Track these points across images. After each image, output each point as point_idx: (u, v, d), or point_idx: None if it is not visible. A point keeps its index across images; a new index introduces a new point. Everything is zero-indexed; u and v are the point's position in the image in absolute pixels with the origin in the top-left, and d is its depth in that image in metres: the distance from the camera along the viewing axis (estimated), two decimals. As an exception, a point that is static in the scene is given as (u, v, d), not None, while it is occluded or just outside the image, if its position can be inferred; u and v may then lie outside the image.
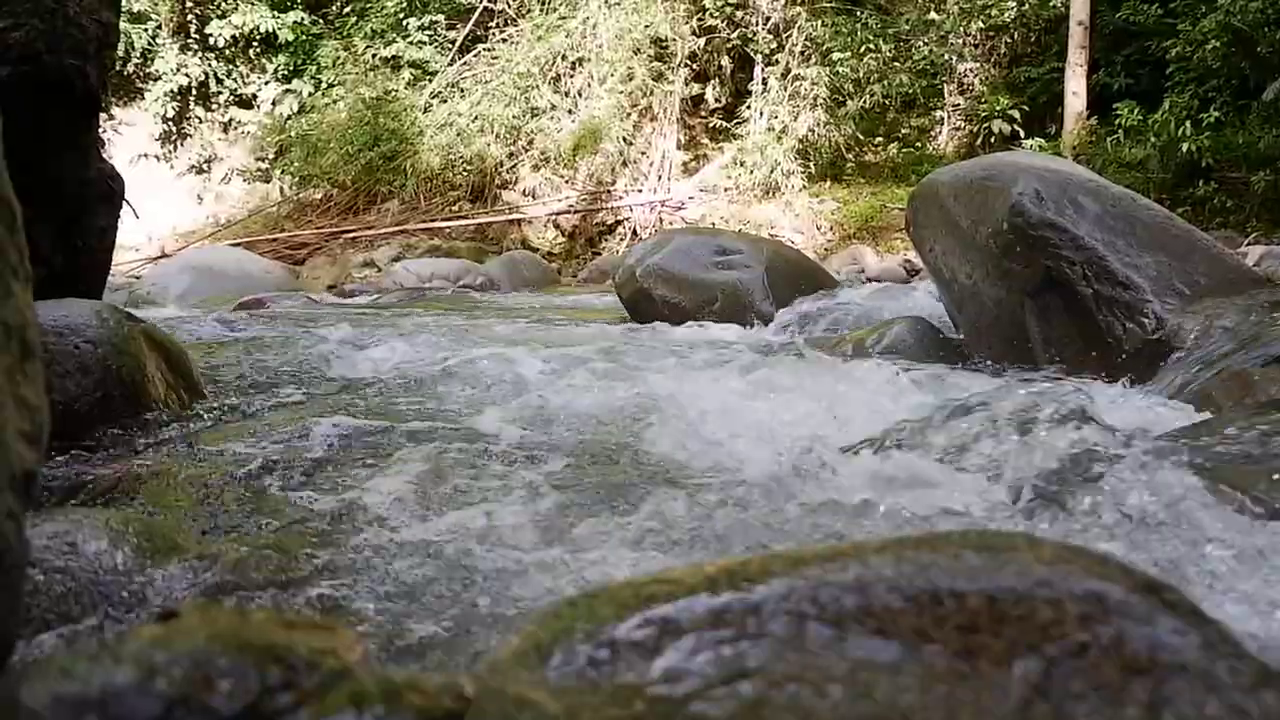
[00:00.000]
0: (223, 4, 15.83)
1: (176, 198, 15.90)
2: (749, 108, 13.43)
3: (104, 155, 3.19)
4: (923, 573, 0.66)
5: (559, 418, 2.37)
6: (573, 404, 2.53)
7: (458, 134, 13.59)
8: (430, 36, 15.12)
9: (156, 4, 15.87)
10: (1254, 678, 0.61)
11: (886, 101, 13.41)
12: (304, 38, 15.98)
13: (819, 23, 13.12)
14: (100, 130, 3.21)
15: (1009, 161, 3.48)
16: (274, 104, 15.86)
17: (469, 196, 13.87)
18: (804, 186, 12.90)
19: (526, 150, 13.88)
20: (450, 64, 14.63)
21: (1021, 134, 12.81)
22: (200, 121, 16.82)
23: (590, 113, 13.43)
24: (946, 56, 13.36)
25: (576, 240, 13.40)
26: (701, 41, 13.65)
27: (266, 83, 16.21)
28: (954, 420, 1.92)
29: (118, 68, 13.82)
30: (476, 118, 13.64)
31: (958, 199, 3.47)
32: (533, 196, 13.78)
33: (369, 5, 15.33)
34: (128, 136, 15.87)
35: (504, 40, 14.24)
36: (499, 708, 0.59)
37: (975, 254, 3.40)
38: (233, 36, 15.68)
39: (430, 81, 14.56)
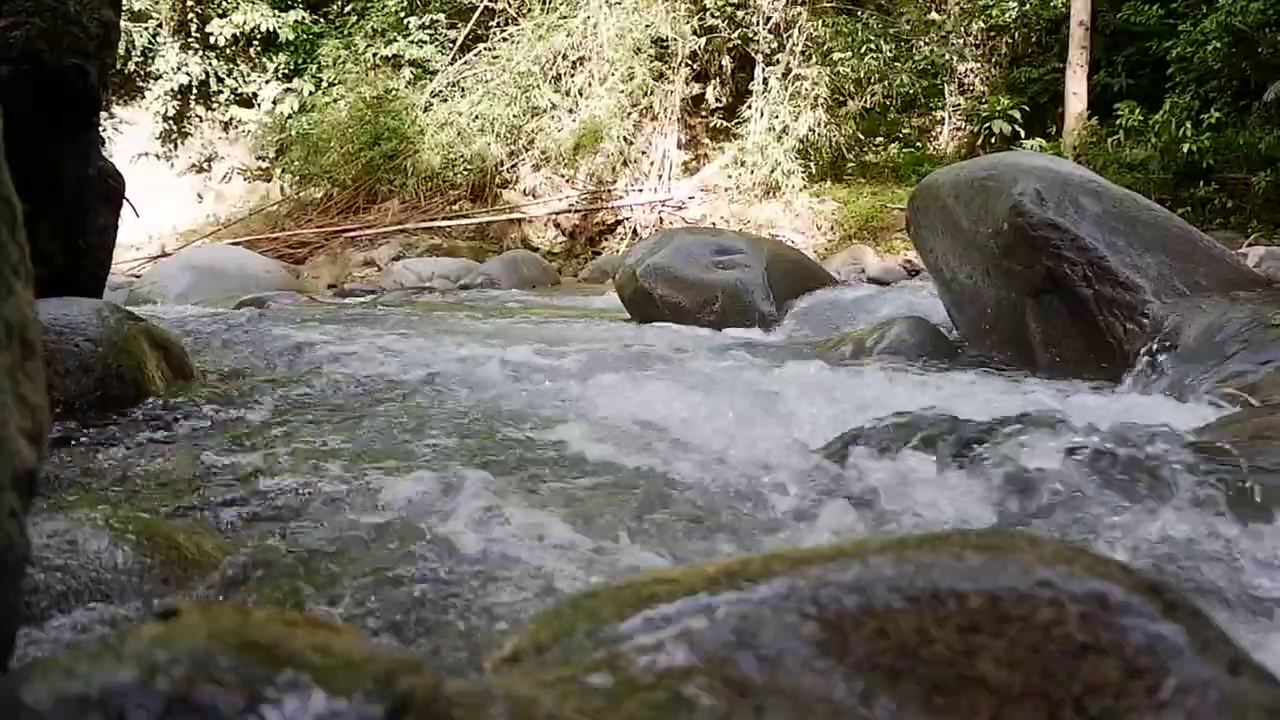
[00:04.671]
0: (223, 3, 15.83)
1: (177, 196, 15.91)
2: (749, 107, 13.44)
3: (104, 154, 3.19)
4: (924, 572, 0.66)
5: (554, 417, 2.37)
6: (569, 403, 2.53)
7: (458, 133, 13.61)
8: (431, 35, 15.14)
9: (157, 3, 15.87)
10: (1252, 680, 0.61)
11: (887, 101, 13.43)
12: (304, 37, 15.98)
13: (820, 22, 13.13)
14: (101, 129, 3.21)
15: (1010, 162, 3.48)
16: (274, 103, 15.87)
17: (469, 196, 13.89)
18: (804, 186, 12.92)
19: (527, 149, 13.89)
20: (451, 63, 14.65)
21: (1022, 134, 12.82)
22: (201, 120, 16.83)
23: (591, 112, 13.44)
24: (947, 57, 13.36)
25: (577, 240, 13.41)
26: (702, 41, 13.66)
27: (267, 81, 16.21)
28: (952, 420, 1.92)
29: (118, 66, 13.83)
30: (477, 117, 13.65)
31: (958, 199, 3.47)
32: (533, 196, 13.79)
33: (370, 4, 15.34)
34: (128, 135, 15.88)
35: (505, 39, 14.25)
36: (499, 705, 0.59)
37: (976, 254, 3.40)
38: (233, 35, 15.68)
39: (431, 80, 14.57)
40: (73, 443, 1.98)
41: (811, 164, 13.00)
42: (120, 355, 2.16)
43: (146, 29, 15.93)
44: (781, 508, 1.62)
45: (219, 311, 5.43)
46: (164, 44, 16.12)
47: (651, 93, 13.61)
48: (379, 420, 2.34)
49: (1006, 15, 13.24)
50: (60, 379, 2.03)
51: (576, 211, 13.53)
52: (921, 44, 13.41)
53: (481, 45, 14.47)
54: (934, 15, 13.53)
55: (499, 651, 0.70)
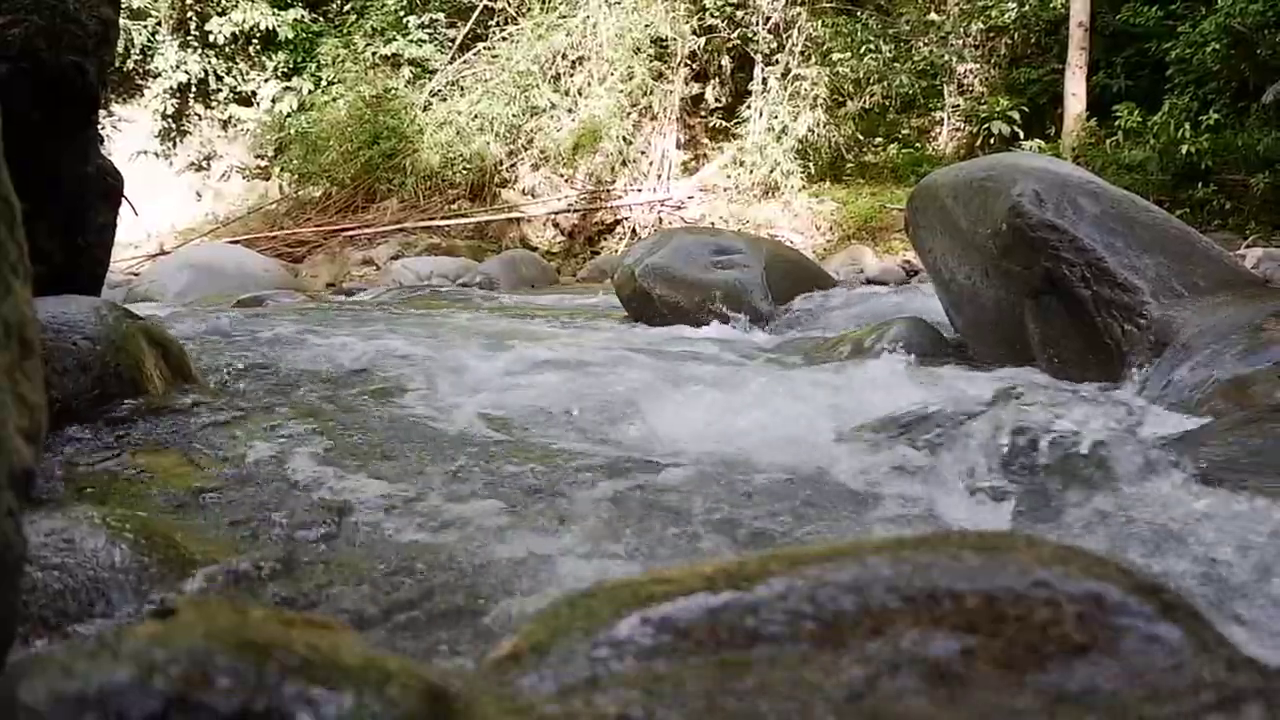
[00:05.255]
0: (222, 1, 15.82)
1: (176, 195, 15.90)
2: (749, 107, 13.44)
3: (103, 152, 3.19)
4: (921, 573, 0.66)
5: (549, 417, 2.37)
6: (564, 404, 2.53)
7: (457, 132, 13.60)
8: (430, 34, 15.14)
9: (156, 1, 15.85)
10: (1249, 682, 0.61)
11: (886, 102, 13.44)
12: (304, 35, 15.98)
13: (819, 23, 13.13)
14: (99, 127, 3.21)
15: (1008, 163, 3.48)
16: (273, 101, 15.86)
17: (468, 195, 13.88)
18: (803, 186, 12.92)
19: (526, 149, 13.89)
20: (450, 62, 14.64)
21: (1021, 135, 12.82)
22: (200, 119, 16.82)
23: (590, 112, 13.44)
24: (946, 57, 13.37)
25: (576, 239, 13.41)
26: (701, 41, 13.67)
27: (266, 80, 16.20)
28: (950, 421, 1.92)
29: (117, 64, 13.80)
30: (476, 116, 13.65)
31: (957, 200, 3.47)
32: (532, 195, 13.79)
33: (369, 3, 15.33)
34: (127, 133, 15.86)
35: (504, 39, 14.25)
36: (492, 706, 0.59)
37: (974, 255, 3.40)
38: (232, 34, 15.67)
39: (430, 80, 14.57)
40: (70, 441, 1.98)
41: (810, 164, 13.00)
42: (118, 354, 2.16)
43: (145, 27, 15.91)
44: (774, 508, 1.62)
45: (217, 310, 5.43)
46: (163, 42, 16.11)
47: (651, 92, 13.61)
48: (376, 419, 2.34)
49: (1006, 16, 13.25)
50: (58, 377, 2.02)
51: (575, 211, 13.53)
52: (921, 44, 13.42)
53: (481, 44, 14.47)
54: (933, 16, 13.54)
55: (496, 651, 0.70)
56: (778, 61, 13.29)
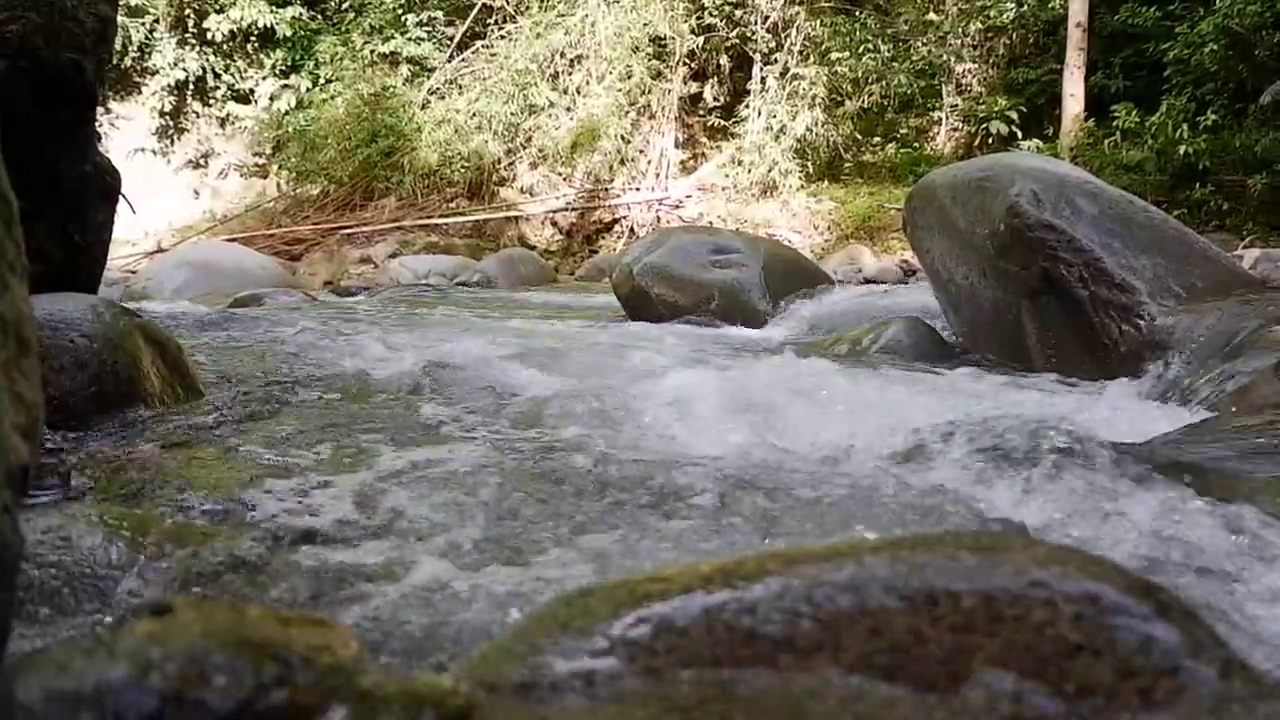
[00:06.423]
0: (221, -1, 15.82)
1: (173, 193, 15.89)
2: (747, 107, 13.45)
3: (101, 150, 3.18)
4: (918, 572, 0.66)
5: (549, 416, 2.37)
6: (563, 402, 2.53)
7: (455, 131, 13.60)
8: (428, 33, 15.13)
9: (154, -2, 15.85)
10: (1243, 683, 0.62)
11: (885, 101, 13.45)
12: (302, 33, 15.97)
13: (818, 22, 13.14)
14: (97, 124, 3.20)
15: (1006, 163, 3.48)
16: (271, 99, 15.84)
17: (466, 193, 13.88)
18: (801, 186, 12.92)
19: (524, 148, 13.89)
20: (449, 60, 14.63)
21: (1019, 135, 12.84)
22: (198, 116, 16.80)
23: (588, 110, 13.44)
24: (945, 57, 13.38)
25: (574, 238, 13.41)
26: (700, 40, 13.67)
27: (264, 78, 16.19)
28: (947, 421, 1.92)
29: (115, 62, 13.78)
30: (474, 114, 13.65)
31: (955, 200, 3.47)
32: (530, 194, 13.79)
33: (367, 1, 15.32)
34: (125, 131, 15.85)
35: (502, 37, 14.24)
36: (494, 708, 0.59)
37: (972, 255, 3.40)
38: (230, 31, 15.65)
39: (428, 78, 14.56)
40: (67, 439, 1.98)
41: (809, 163, 13.01)
42: (116, 351, 2.15)
43: (143, 24, 15.89)
44: (770, 507, 1.62)
45: (215, 308, 5.42)
46: (161, 39, 16.10)
47: (649, 91, 13.61)
48: (374, 416, 2.34)
49: (1004, 16, 13.27)
50: (55, 375, 2.02)
51: (574, 210, 13.53)
52: (919, 44, 13.43)
53: (479, 43, 14.46)
54: (932, 16, 13.55)
55: (494, 650, 0.70)
56: (776, 61, 13.29)
